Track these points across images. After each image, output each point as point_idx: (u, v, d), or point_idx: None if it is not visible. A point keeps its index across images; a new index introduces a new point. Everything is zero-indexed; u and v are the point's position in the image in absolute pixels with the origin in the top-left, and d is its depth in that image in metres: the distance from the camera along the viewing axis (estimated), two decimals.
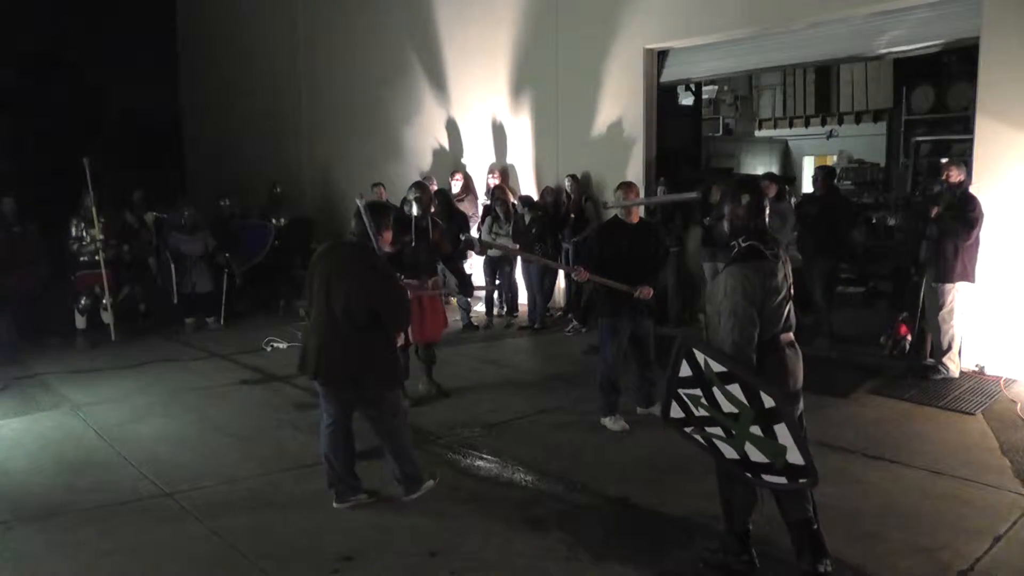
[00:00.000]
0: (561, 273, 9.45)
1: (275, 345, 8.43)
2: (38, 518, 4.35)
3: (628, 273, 5.52)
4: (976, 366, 6.72)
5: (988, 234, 6.41)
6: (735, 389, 3.06)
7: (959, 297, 6.48)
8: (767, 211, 3.38)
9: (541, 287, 9.20)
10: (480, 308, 9.69)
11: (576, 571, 3.71)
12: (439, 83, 11.48)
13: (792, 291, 3.41)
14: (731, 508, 3.53)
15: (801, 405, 3.41)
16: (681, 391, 3.25)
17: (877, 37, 7.62)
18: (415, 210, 6.45)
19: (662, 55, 9.24)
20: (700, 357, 3.15)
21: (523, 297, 9.64)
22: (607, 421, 5.66)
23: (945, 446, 5.15)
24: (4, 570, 3.81)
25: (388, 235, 4.45)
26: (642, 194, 8.24)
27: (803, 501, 3.33)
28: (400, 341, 5.97)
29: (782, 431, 2.99)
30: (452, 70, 11.27)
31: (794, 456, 3.00)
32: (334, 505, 4.38)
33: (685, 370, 3.21)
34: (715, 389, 3.12)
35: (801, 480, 3.07)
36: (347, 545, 3.95)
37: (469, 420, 5.89)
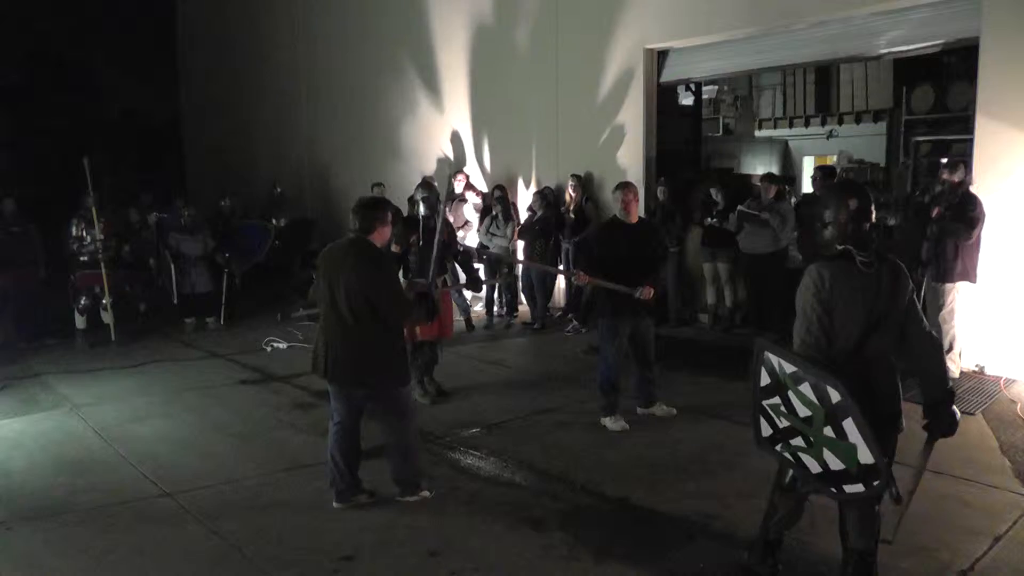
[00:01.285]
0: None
1: (275, 345, 8.43)
2: (38, 518, 4.34)
3: (628, 272, 5.51)
4: (976, 366, 6.71)
5: (988, 234, 6.41)
6: (805, 388, 3.01)
7: (959, 297, 6.48)
8: (873, 216, 3.20)
9: (542, 287, 9.20)
10: (480, 308, 9.69)
11: (576, 571, 3.71)
12: (439, 83, 11.48)
13: (905, 308, 3.17)
14: (774, 515, 3.49)
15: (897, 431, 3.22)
16: (765, 403, 3.20)
17: (877, 37, 7.62)
18: (422, 209, 6.46)
19: (662, 55, 9.24)
20: (774, 360, 3.10)
21: (523, 297, 9.64)
22: (607, 421, 5.65)
23: (945, 446, 5.05)
24: (4, 570, 3.81)
25: (386, 231, 4.41)
26: (641, 195, 8.24)
27: (872, 530, 3.24)
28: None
29: (850, 427, 2.93)
30: (452, 70, 11.26)
31: (864, 455, 2.94)
32: (334, 505, 4.38)
33: (764, 378, 3.16)
34: (790, 393, 3.08)
35: (875, 483, 2.98)
36: (347, 545, 3.95)
37: (469, 420, 5.88)
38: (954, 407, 3.22)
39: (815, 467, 3.12)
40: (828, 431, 2.99)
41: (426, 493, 4.49)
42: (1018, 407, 5.84)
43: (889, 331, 3.17)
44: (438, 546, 3.93)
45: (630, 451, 5.23)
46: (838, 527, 3.35)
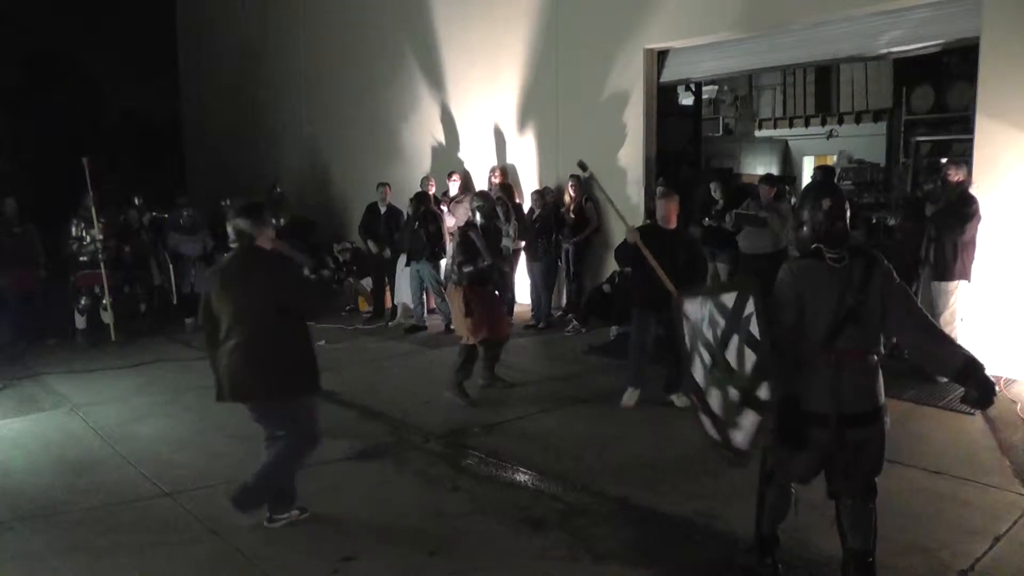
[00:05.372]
0: (563, 273, 9.45)
1: None
2: (38, 518, 4.35)
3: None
4: None
5: (988, 234, 6.41)
6: (727, 299, 3.25)
7: (960, 297, 6.48)
8: (848, 215, 3.26)
9: (544, 285, 9.20)
10: None
11: (576, 571, 3.71)
12: (439, 83, 11.48)
13: (883, 300, 3.13)
14: (762, 510, 3.52)
15: (862, 435, 3.15)
16: (698, 343, 3.44)
17: (877, 37, 7.61)
18: (478, 219, 6.43)
19: (662, 55, 9.24)
20: (698, 298, 3.49)
21: (525, 297, 9.64)
22: (629, 394, 5.86)
23: (945, 446, 5.15)
24: (4, 570, 3.81)
25: (269, 232, 4.12)
26: (641, 195, 8.24)
27: (870, 531, 3.26)
28: (471, 340, 6.18)
29: (753, 329, 3.11)
30: (452, 70, 11.27)
31: (763, 392, 3.08)
32: (265, 524, 4.13)
33: (695, 312, 3.46)
34: (711, 307, 3.34)
35: (767, 413, 3.10)
36: (347, 545, 3.95)
37: (469, 420, 5.89)
38: (986, 374, 3.08)
39: (716, 404, 3.36)
40: (734, 343, 3.18)
41: (296, 512, 4.20)
42: (1018, 407, 5.84)
43: (864, 324, 3.13)
44: (438, 546, 3.93)
45: (630, 451, 5.23)
46: (836, 527, 3.35)
